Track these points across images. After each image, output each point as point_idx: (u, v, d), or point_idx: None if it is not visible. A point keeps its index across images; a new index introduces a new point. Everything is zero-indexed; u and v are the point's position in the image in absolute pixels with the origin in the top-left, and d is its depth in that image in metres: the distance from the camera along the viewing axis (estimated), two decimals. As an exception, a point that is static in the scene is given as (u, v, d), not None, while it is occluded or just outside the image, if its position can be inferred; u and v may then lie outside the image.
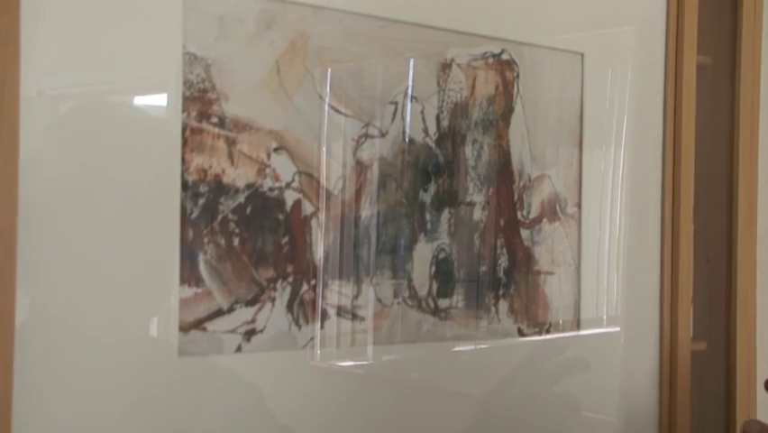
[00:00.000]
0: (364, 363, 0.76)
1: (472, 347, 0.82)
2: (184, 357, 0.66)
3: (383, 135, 0.77)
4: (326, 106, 0.73)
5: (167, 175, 0.65)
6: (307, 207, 0.72)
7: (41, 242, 0.60)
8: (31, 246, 0.59)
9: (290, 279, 0.71)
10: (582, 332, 0.89)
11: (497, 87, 0.83)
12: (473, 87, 0.82)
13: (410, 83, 0.78)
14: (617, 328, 0.92)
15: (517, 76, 0.85)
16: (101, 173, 0.63)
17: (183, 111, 0.66)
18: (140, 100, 0.66)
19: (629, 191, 0.93)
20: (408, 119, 0.78)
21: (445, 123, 0.80)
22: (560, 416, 0.88)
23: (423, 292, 0.79)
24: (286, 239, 0.71)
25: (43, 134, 0.61)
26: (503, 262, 0.84)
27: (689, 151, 0.96)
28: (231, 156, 0.68)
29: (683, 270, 0.95)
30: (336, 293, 0.74)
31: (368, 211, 0.76)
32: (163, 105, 0.66)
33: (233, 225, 0.68)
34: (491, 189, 0.83)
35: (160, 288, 0.66)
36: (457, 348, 0.81)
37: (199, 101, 0.67)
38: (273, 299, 0.70)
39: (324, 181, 0.73)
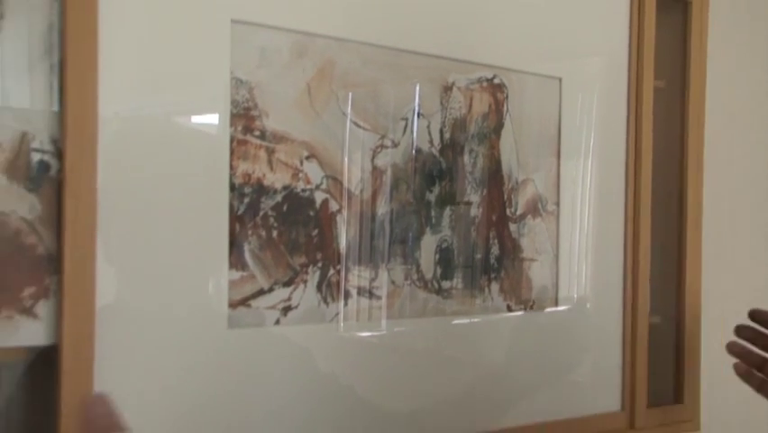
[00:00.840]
0: (379, 333, 0.76)
1: (469, 321, 0.81)
2: (232, 329, 0.66)
3: (395, 146, 0.76)
4: (348, 122, 0.73)
5: (218, 179, 0.65)
6: (333, 205, 0.72)
7: (117, 235, 0.60)
8: (108, 239, 0.60)
9: (319, 264, 0.71)
10: (559, 308, 0.89)
11: (489, 106, 0.83)
12: (470, 106, 0.81)
13: (418, 102, 0.78)
14: (588, 305, 0.92)
15: (507, 97, 0.84)
16: (164, 178, 0.63)
17: (231, 126, 0.66)
18: (196, 118, 0.66)
19: (598, 193, 0.93)
20: (416, 132, 0.78)
21: (447, 135, 0.80)
22: (540, 376, 0.88)
23: (428, 276, 0.78)
24: (315, 232, 0.71)
25: (118, 147, 0.61)
26: (495, 250, 0.83)
27: (647, 159, 0.96)
28: (270, 163, 0.68)
29: (642, 257, 0.95)
30: (357, 276, 0.74)
31: (383, 208, 0.75)
32: (215, 121, 0.66)
33: (272, 219, 0.68)
34: (485, 191, 0.83)
35: (212, 272, 0.65)
36: (456, 321, 0.81)
37: (244, 117, 0.67)
38: (305, 281, 0.70)
39: (347, 184, 0.73)
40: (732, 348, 0.78)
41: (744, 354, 0.77)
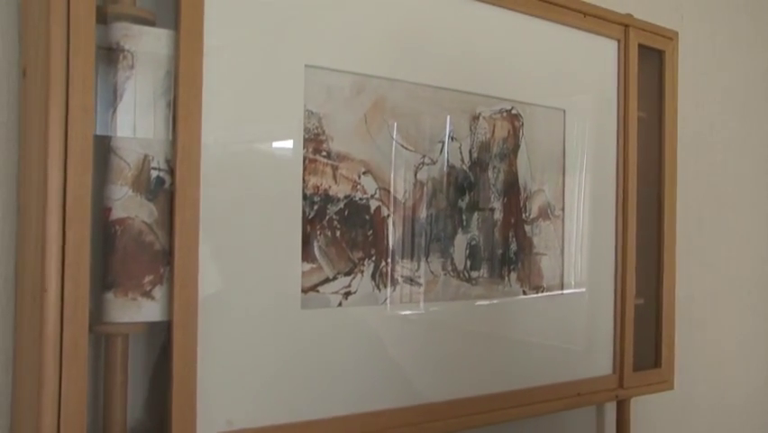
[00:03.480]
0: (420, 313, 0.70)
1: (492, 303, 0.76)
2: (305, 310, 0.61)
3: (434, 163, 0.71)
4: (396, 144, 0.68)
5: (293, 190, 0.61)
6: (384, 211, 0.67)
7: (215, 236, 0.56)
8: (208, 238, 0.55)
9: (373, 258, 0.66)
10: (564, 292, 0.82)
11: (508, 132, 0.77)
12: (493, 131, 0.76)
13: (451, 129, 0.72)
14: (584, 289, 0.85)
15: (522, 124, 0.78)
16: (251, 190, 0.59)
17: (304, 148, 0.61)
18: (276, 142, 0.61)
19: (594, 201, 0.86)
20: (450, 153, 0.72)
21: (475, 155, 0.74)
22: (547, 347, 0.81)
23: (460, 267, 0.73)
24: (370, 232, 0.66)
25: (216, 166, 0.56)
26: (513, 246, 0.77)
27: (632, 174, 0.88)
28: (335, 177, 0.64)
29: (629, 252, 0.87)
30: (403, 267, 0.68)
31: (424, 213, 0.70)
32: (291, 145, 0.61)
33: (335, 222, 0.64)
34: (505, 199, 0.77)
35: (288, 264, 0.61)
36: (482, 304, 0.75)
37: (314, 141, 0.62)
38: (362, 271, 0.65)
39: (395, 194, 0.68)
40: None
41: None
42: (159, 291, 0.54)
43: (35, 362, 0.49)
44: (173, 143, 0.54)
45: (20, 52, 0.54)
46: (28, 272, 0.51)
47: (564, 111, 0.82)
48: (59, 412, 0.48)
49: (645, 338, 0.91)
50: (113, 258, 0.53)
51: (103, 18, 0.53)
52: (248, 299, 0.58)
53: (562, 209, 0.82)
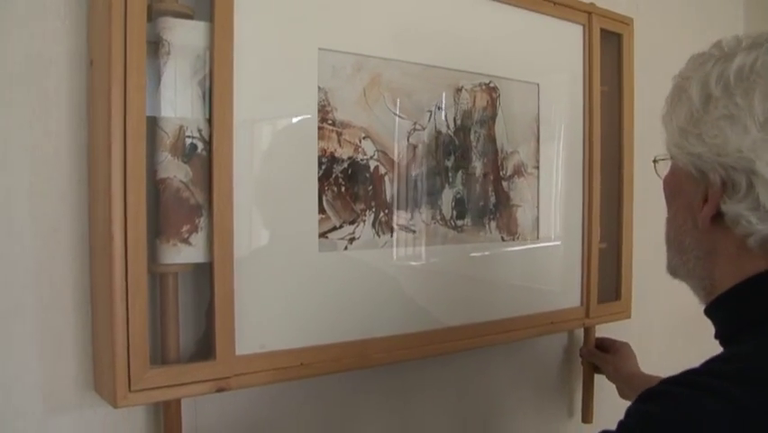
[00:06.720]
0: (414, 256, 0.72)
1: (475, 248, 0.78)
2: (321, 252, 0.64)
3: (423, 129, 0.72)
4: (391, 113, 0.70)
5: (310, 152, 0.63)
6: (382, 170, 0.69)
7: (245, 191, 0.59)
8: (240, 193, 0.58)
9: (373, 209, 0.68)
10: (540, 242, 0.84)
11: (487, 102, 0.78)
12: (474, 102, 0.77)
13: (437, 99, 0.73)
14: (558, 241, 0.87)
15: (499, 96, 0.79)
16: (275, 153, 0.61)
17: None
18: (296, 115, 0.63)
19: (564, 161, 0.87)
20: (437, 120, 0.74)
21: (459, 122, 0.75)
22: (526, 287, 0.84)
23: (448, 217, 0.75)
24: (370, 187, 0.68)
25: (246, 134, 0.59)
26: (492, 199, 0.79)
27: (597, 139, 0.89)
28: (339, 142, 0.66)
29: (594, 204, 0.89)
30: (399, 217, 0.71)
31: (416, 171, 0.72)
32: (307, 115, 0.63)
33: (341, 179, 0.66)
34: (485, 159, 0.78)
35: (307, 215, 0.63)
36: (466, 248, 0.77)
37: (321, 111, 0.64)
38: (364, 221, 0.68)
39: (391, 155, 0.70)
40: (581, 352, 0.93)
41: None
42: (195, 238, 0.56)
43: (107, 296, 0.52)
44: (210, 116, 0.56)
45: (88, 47, 0.56)
46: (98, 224, 0.55)
47: (538, 85, 0.83)
48: (127, 336, 0.52)
49: (608, 276, 0.94)
50: (158, 211, 0.56)
51: (149, 15, 0.55)
52: (274, 244, 0.61)
53: (536, 168, 0.84)
